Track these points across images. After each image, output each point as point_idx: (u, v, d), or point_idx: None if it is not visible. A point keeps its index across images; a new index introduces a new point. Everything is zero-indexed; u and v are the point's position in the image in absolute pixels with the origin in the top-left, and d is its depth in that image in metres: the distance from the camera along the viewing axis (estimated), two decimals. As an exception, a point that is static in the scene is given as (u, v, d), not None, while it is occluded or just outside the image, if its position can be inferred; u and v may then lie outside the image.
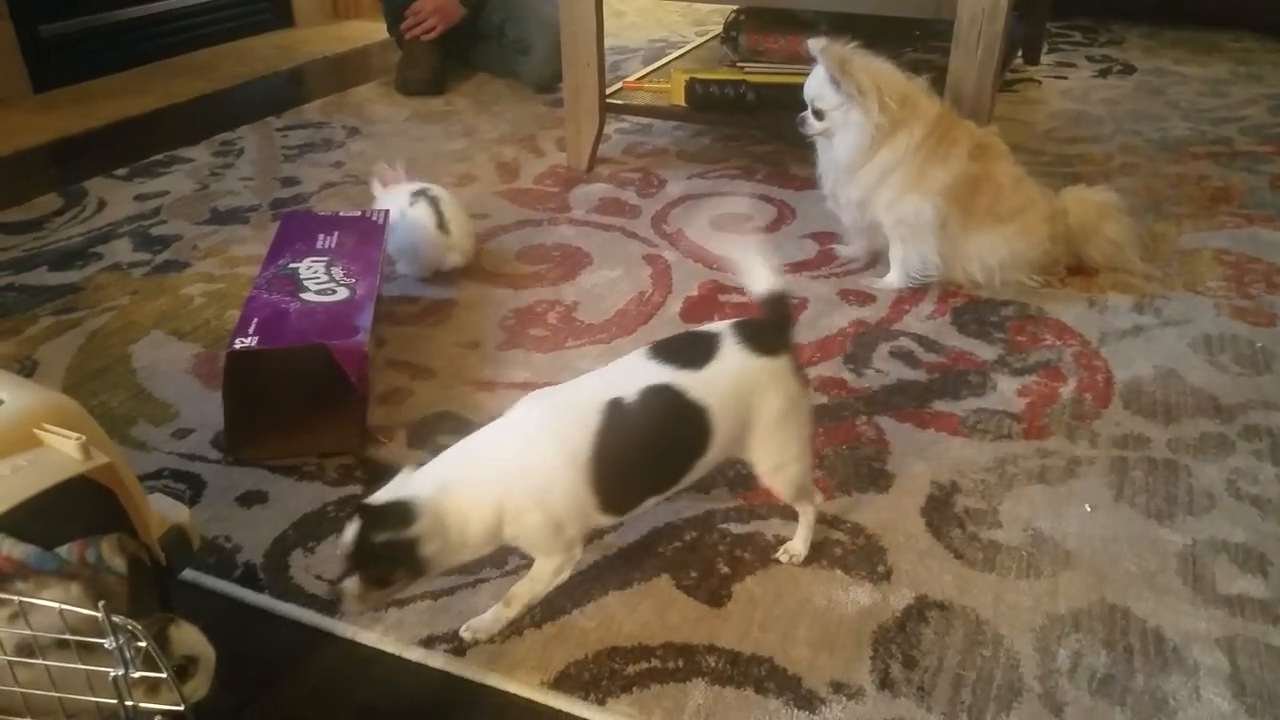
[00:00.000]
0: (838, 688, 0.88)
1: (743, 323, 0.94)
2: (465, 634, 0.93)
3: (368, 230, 1.50)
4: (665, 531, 1.06)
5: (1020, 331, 1.46)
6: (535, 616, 0.95)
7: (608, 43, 2.01)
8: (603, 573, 1.01)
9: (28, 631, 0.65)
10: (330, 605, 0.96)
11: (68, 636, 0.64)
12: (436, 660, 0.91)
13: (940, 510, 1.09)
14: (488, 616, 0.93)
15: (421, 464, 0.88)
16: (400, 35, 2.75)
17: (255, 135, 2.37)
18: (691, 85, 2.01)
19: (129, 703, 0.65)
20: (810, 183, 1.79)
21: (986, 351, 1.41)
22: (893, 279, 1.59)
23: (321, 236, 1.47)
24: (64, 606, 0.63)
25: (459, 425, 1.23)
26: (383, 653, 0.92)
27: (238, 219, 1.88)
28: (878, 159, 1.50)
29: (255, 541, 1.06)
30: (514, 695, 0.88)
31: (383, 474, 0.92)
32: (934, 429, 1.23)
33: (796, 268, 1.66)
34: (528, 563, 0.93)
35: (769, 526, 1.07)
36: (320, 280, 1.33)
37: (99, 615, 0.61)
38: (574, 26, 1.91)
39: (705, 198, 1.95)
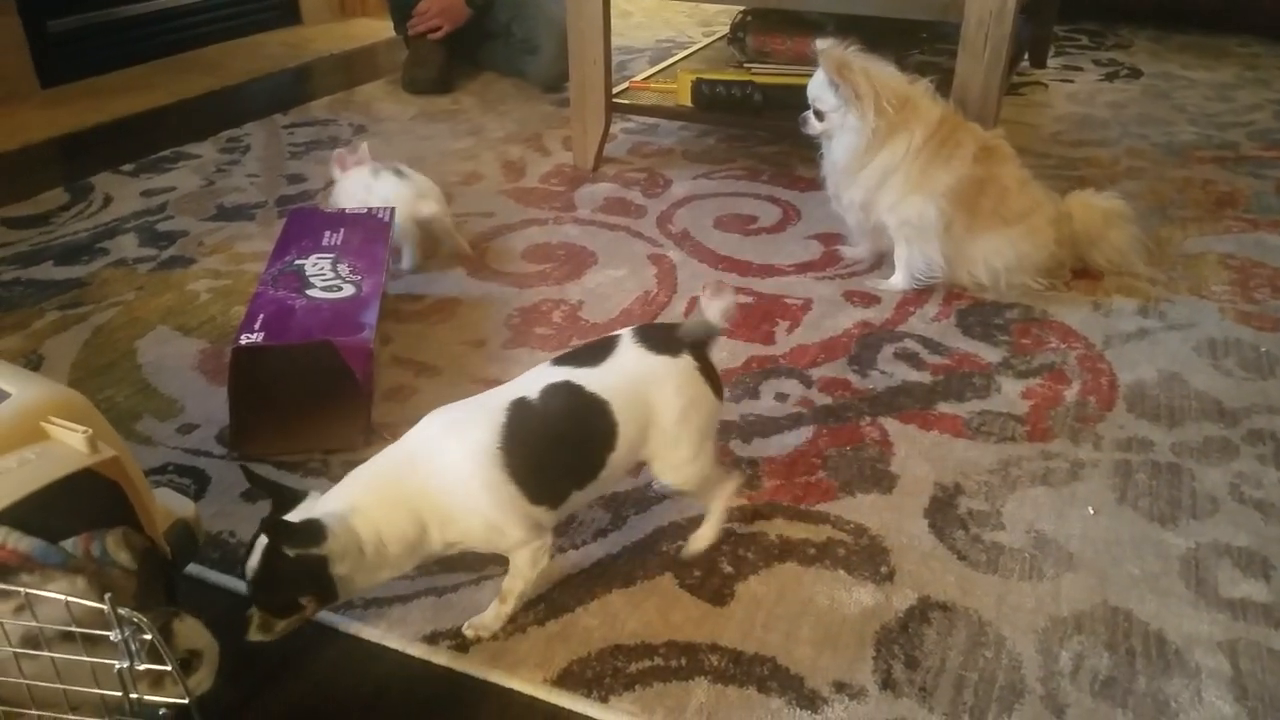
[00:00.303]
0: (840, 688, 0.88)
1: (643, 327, 0.98)
2: (468, 631, 0.93)
3: (374, 228, 1.50)
4: (669, 530, 1.07)
5: (1024, 334, 1.46)
6: (539, 614, 0.95)
7: (614, 43, 2.01)
8: (606, 571, 1.01)
9: (34, 624, 0.65)
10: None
11: (73, 629, 0.64)
12: (440, 657, 0.91)
13: (943, 512, 1.09)
14: (488, 614, 0.94)
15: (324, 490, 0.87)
16: (407, 34, 2.75)
17: (262, 132, 2.37)
18: (698, 85, 2.01)
19: (134, 695, 0.65)
20: (815, 184, 1.79)
21: (991, 354, 1.41)
22: (897, 281, 1.59)
23: (327, 233, 1.47)
24: (70, 599, 0.63)
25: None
26: (386, 649, 0.93)
27: (244, 215, 1.89)
28: (876, 161, 1.50)
29: (259, 537, 1.06)
30: (517, 692, 0.88)
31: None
32: (938, 430, 1.23)
33: (801, 268, 1.66)
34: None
35: (772, 526, 1.07)
36: (326, 277, 1.33)
37: (104, 608, 0.62)
38: (581, 26, 1.91)
39: (710, 197, 1.95)
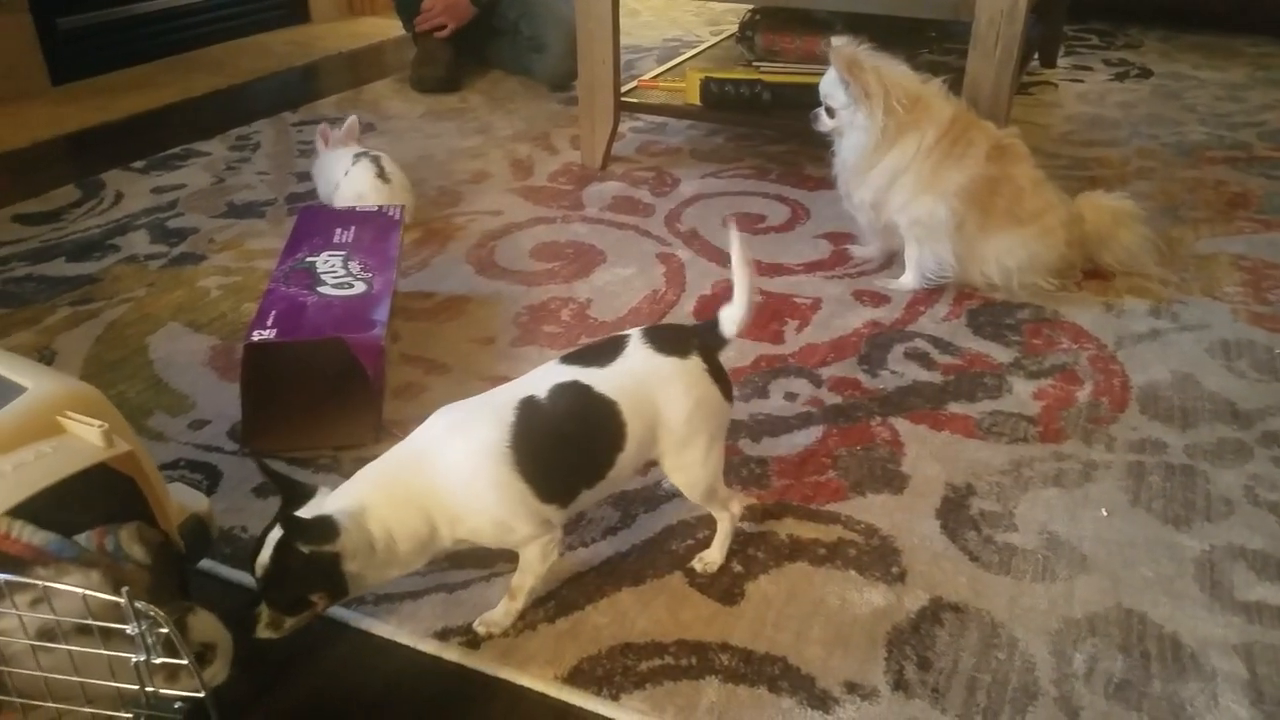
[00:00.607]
0: (851, 688, 0.87)
1: (651, 327, 0.97)
2: (479, 628, 0.93)
3: (384, 225, 1.51)
4: (679, 529, 1.06)
5: (1036, 334, 1.46)
6: (549, 611, 0.95)
7: (623, 41, 2.01)
8: (616, 569, 1.01)
9: (50, 616, 0.65)
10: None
11: (90, 622, 0.64)
12: (451, 653, 0.91)
13: (955, 512, 1.09)
14: (498, 610, 0.94)
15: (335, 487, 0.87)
16: (415, 31, 2.75)
17: (271, 130, 2.38)
18: (706, 84, 2.01)
19: (149, 688, 0.65)
20: (825, 183, 1.79)
21: (1002, 354, 1.40)
22: (908, 280, 1.59)
23: (339, 230, 1.47)
24: (87, 592, 0.64)
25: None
26: (397, 644, 0.93)
27: (254, 213, 1.89)
28: (886, 160, 1.50)
29: (270, 533, 1.06)
30: (527, 689, 0.88)
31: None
32: (949, 431, 1.23)
33: (810, 268, 1.66)
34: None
35: (783, 526, 1.07)
36: (337, 274, 1.33)
37: (121, 601, 0.62)
38: (590, 24, 1.91)
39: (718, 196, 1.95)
